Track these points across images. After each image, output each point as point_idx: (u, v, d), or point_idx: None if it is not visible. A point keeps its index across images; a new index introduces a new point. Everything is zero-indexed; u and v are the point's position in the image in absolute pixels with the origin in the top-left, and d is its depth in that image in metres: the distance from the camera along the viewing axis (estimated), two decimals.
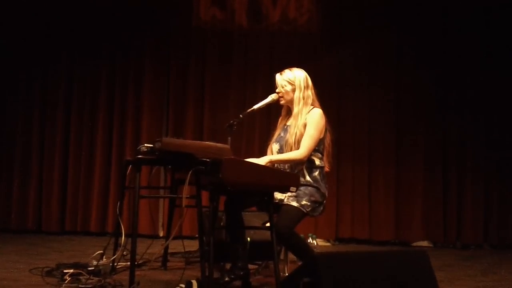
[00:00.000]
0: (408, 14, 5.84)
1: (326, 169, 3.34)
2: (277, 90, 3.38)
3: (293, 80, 3.33)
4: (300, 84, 3.32)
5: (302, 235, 3.35)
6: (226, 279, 3.22)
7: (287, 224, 3.11)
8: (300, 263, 3.14)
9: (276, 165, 3.31)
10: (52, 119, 5.86)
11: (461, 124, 5.79)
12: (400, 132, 5.83)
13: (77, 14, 5.86)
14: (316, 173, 3.26)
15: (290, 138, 3.26)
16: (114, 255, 3.63)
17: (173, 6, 5.90)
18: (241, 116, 3.40)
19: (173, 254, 4.31)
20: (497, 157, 5.75)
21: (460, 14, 5.81)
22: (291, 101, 3.35)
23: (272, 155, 3.33)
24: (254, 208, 3.60)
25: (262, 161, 3.18)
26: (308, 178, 3.24)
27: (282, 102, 3.39)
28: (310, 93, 3.34)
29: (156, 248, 3.96)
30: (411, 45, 5.85)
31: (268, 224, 3.17)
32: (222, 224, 3.48)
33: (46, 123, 5.87)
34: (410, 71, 5.84)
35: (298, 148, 3.23)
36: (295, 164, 3.26)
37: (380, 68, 5.87)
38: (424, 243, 5.72)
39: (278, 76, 3.39)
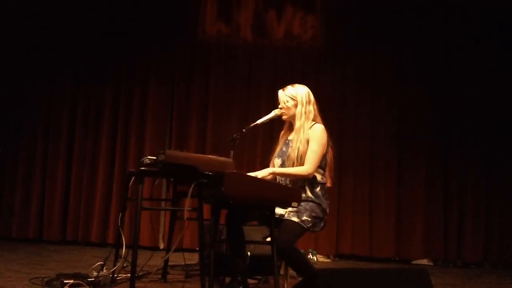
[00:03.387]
0: (410, 31, 5.87)
1: (328, 184, 3.35)
2: (279, 106, 3.41)
3: (295, 96, 3.36)
4: (302, 99, 3.35)
5: (302, 251, 3.36)
6: None
7: (287, 239, 3.11)
8: (300, 279, 3.14)
9: (278, 179, 3.33)
10: (57, 129, 5.90)
11: (463, 141, 5.80)
12: (402, 149, 5.83)
13: (82, 26, 5.91)
14: (318, 189, 3.27)
15: (292, 152, 3.27)
16: (114, 266, 3.63)
17: (179, 20, 5.96)
18: (244, 130, 3.43)
19: (173, 266, 4.31)
20: (498, 175, 5.74)
21: (463, 30, 5.85)
22: (293, 116, 3.37)
23: (275, 168, 3.35)
24: (255, 222, 3.61)
25: (264, 172, 3.21)
26: (309, 193, 3.25)
27: (284, 118, 3.42)
28: (312, 108, 3.36)
29: (157, 260, 3.96)
30: (413, 61, 5.87)
31: (268, 239, 3.18)
32: (222, 237, 3.49)
33: (50, 131, 5.91)
34: (412, 88, 5.86)
35: (301, 163, 3.24)
36: (297, 179, 3.27)
37: (382, 84, 5.90)
38: (424, 261, 5.70)
39: (280, 92, 3.42)
